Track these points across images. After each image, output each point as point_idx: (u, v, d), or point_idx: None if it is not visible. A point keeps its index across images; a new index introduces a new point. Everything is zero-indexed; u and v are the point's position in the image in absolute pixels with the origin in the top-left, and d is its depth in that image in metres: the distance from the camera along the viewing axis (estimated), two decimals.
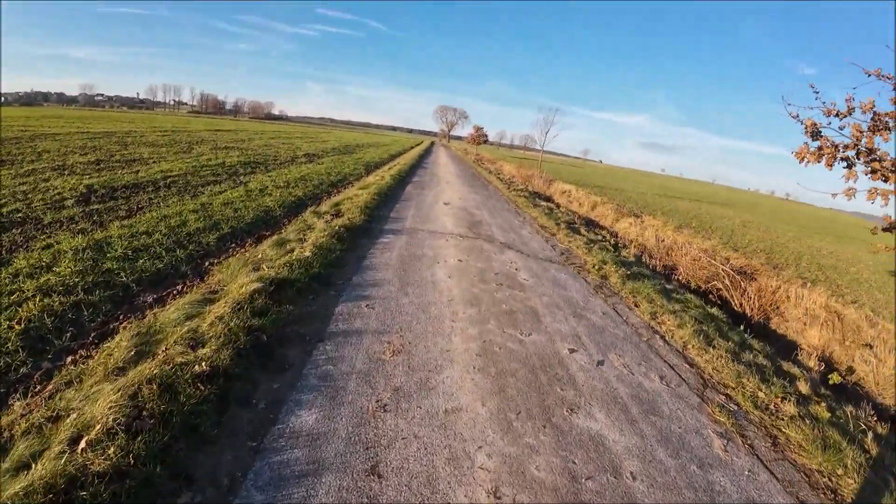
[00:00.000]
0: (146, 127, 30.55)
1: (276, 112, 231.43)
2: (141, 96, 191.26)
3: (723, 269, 9.66)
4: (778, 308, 9.26)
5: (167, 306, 4.14)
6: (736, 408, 3.83)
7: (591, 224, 14.50)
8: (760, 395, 4.12)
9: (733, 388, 4.22)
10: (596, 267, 7.76)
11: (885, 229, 5.41)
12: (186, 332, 3.41)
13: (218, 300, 4.16)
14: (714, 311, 7.18)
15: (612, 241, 11.41)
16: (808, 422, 3.67)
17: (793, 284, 9.59)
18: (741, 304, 8.92)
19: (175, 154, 16.28)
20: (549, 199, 19.99)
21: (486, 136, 69.56)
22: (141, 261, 5.14)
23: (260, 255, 5.68)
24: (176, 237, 6.32)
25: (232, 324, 3.53)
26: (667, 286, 8.03)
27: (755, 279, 10.06)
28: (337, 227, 6.99)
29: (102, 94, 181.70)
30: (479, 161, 40.62)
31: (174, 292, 4.58)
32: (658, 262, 10.64)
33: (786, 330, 8.79)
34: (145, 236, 6.08)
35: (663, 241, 13.04)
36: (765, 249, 14.26)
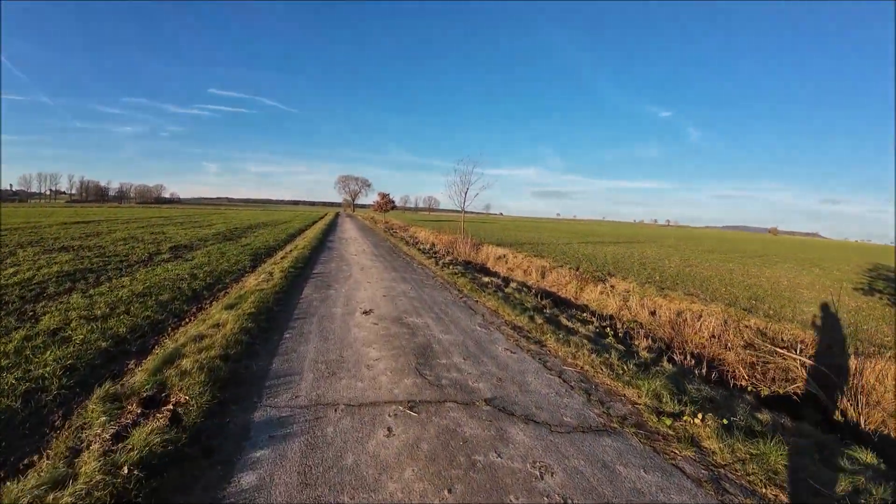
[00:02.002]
0: None
1: (166, 195, 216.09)
2: (14, 188, 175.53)
3: (802, 362, 6.67)
4: (878, 402, 6.39)
5: None
6: None
7: (559, 302, 11.31)
8: None
9: None
10: (663, 416, 4.31)
11: None
12: None
13: None
14: (868, 458, 4.04)
15: (611, 332, 8.15)
16: None
17: (877, 360, 6.82)
18: (848, 413, 5.88)
19: None
20: (486, 269, 16.80)
21: (394, 202, 67.02)
22: None
23: None
24: None
25: None
26: (781, 421, 4.76)
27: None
28: (125, 474, 2.86)
29: None
30: (390, 230, 37.28)
31: None
32: (687, 357, 7.48)
33: None
34: None
35: (654, 312, 10.14)
36: (754, 297, 11.93)
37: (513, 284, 12.10)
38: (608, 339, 7.44)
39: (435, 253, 19.23)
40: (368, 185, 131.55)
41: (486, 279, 12.52)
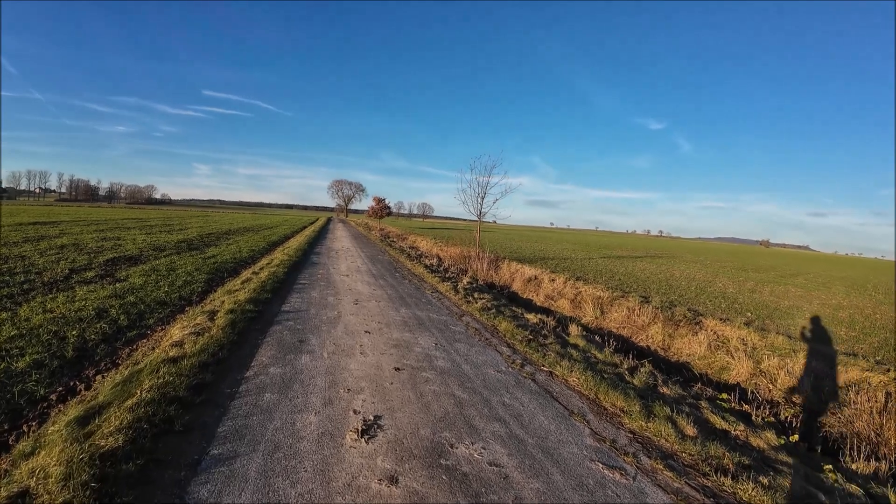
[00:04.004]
0: None
1: (157, 196, 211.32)
2: (3, 185, 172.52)
3: None
4: None
5: None
6: None
7: (656, 362, 7.59)
8: None
9: None
10: None
11: None
12: None
13: None
14: None
15: (800, 441, 4.46)
16: None
17: None
18: None
19: None
20: (516, 295, 13.12)
21: (389, 208, 62.96)
22: None
23: None
24: None
25: None
26: None
27: None
28: None
29: None
30: (387, 238, 33.49)
31: None
32: None
33: None
34: None
35: (818, 383, 6.49)
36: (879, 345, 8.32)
37: (574, 330, 8.40)
38: (830, 475, 3.78)
39: (446, 271, 15.52)
40: (362, 191, 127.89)
41: (531, 318, 8.84)
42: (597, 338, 8.06)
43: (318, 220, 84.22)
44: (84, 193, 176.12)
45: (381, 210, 59.93)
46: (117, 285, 9.62)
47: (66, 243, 16.86)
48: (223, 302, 7.50)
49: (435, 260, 18.87)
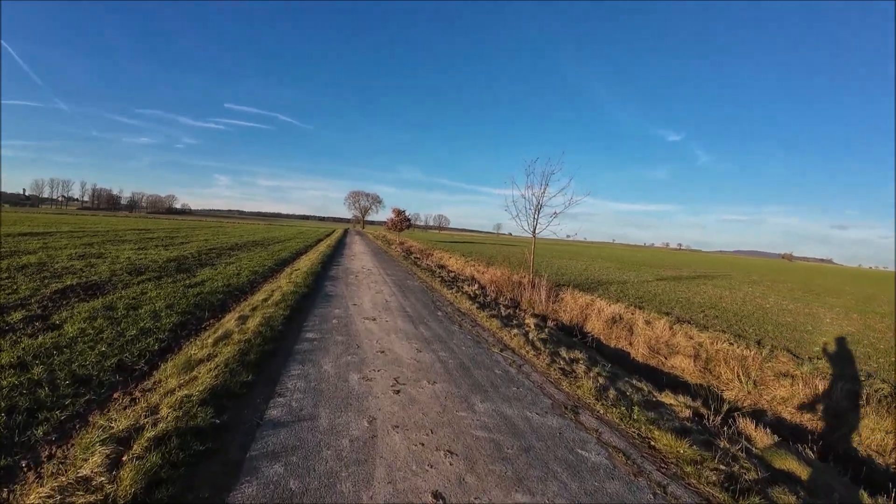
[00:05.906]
0: None
1: (177, 206, 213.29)
2: (27, 192, 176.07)
3: None
4: None
5: None
6: None
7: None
8: None
9: None
10: None
11: None
12: None
13: None
14: None
15: None
16: None
17: None
18: None
19: None
20: (598, 344, 9.68)
21: (409, 220, 59.58)
22: None
23: None
24: None
25: None
26: None
27: None
28: None
29: None
30: (409, 254, 30.18)
31: None
32: None
33: None
34: None
35: None
36: None
37: (759, 436, 4.93)
38: None
39: (496, 304, 12.12)
40: (379, 202, 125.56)
41: (675, 404, 5.43)
42: (809, 452, 4.55)
43: (334, 231, 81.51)
44: (106, 202, 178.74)
45: (401, 222, 56.52)
46: (39, 339, 6.41)
47: (31, 262, 13.84)
48: (165, 397, 4.18)
49: (475, 286, 15.48)
